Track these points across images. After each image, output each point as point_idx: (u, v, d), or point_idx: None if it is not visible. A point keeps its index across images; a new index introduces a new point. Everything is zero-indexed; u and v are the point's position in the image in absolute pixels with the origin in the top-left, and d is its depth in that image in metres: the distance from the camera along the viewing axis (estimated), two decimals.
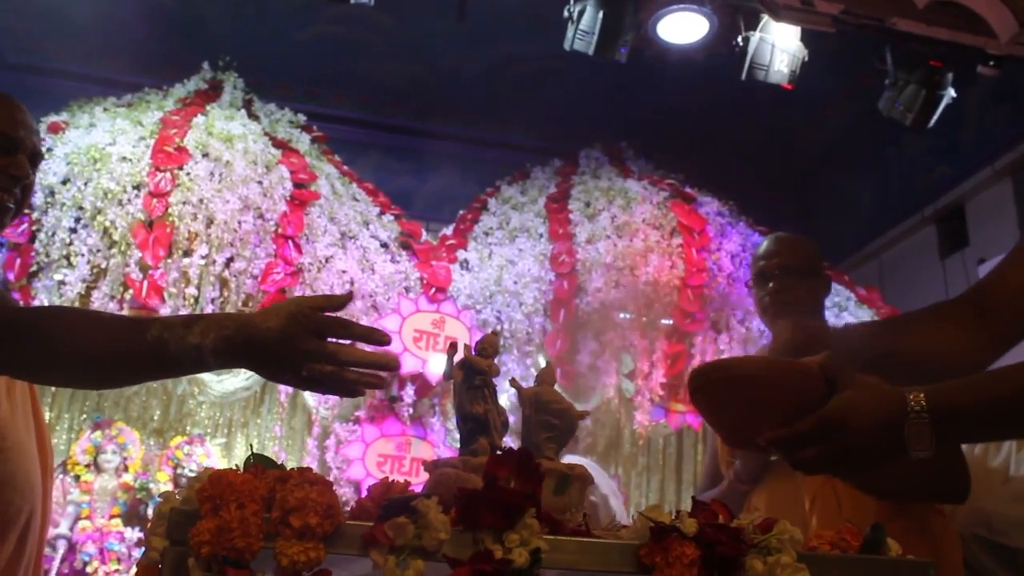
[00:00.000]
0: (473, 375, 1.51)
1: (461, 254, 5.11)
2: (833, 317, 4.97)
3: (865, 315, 5.16)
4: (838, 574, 1.18)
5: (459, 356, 1.53)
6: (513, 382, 1.59)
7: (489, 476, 1.11)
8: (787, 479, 2.15)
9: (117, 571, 4.41)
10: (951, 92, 4.54)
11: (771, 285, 2.48)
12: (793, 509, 2.08)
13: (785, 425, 1.26)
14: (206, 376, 4.59)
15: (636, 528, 1.15)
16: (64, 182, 4.41)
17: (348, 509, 1.19)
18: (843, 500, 2.03)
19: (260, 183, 4.61)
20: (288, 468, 1.14)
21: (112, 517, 4.60)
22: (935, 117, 4.56)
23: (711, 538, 1.11)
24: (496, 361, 1.53)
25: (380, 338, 1.38)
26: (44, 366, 1.45)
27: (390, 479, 1.17)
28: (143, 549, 1.15)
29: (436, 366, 4.55)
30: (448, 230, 5.36)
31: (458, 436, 1.50)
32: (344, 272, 4.64)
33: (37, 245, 4.28)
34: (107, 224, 4.34)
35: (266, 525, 1.05)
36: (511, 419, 1.55)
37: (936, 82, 4.52)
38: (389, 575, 1.04)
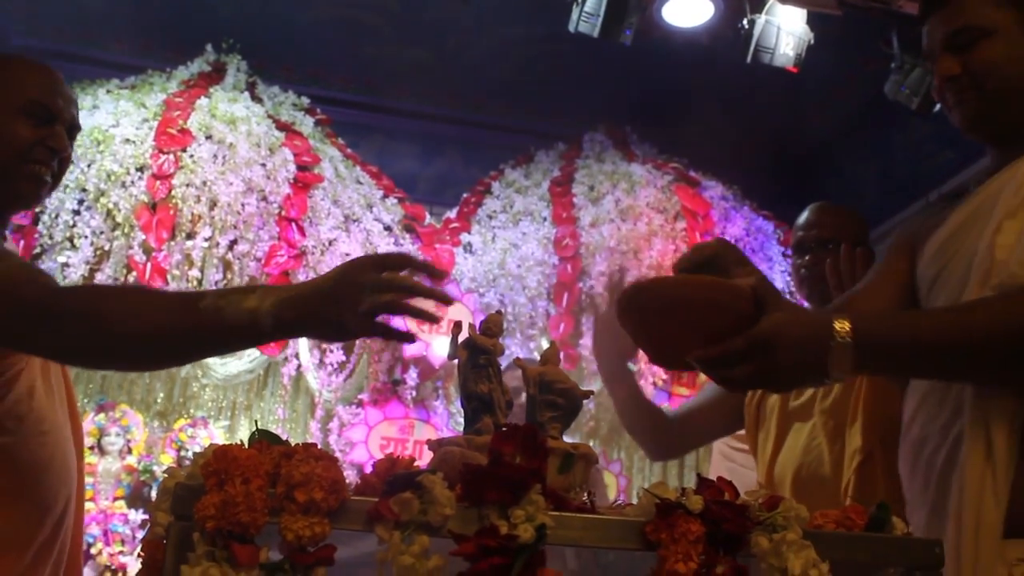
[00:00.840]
0: (477, 354, 1.50)
1: (465, 237, 5.11)
2: None
3: None
4: (844, 552, 1.18)
5: (463, 336, 1.53)
6: (518, 361, 1.58)
7: (494, 452, 1.10)
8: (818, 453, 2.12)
9: (121, 552, 4.43)
10: None
11: (807, 257, 2.39)
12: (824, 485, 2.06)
13: (714, 344, 1.28)
14: (210, 359, 4.59)
15: (641, 505, 1.15)
16: None
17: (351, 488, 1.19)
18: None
19: (263, 165, 4.61)
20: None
21: (116, 499, 4.62)
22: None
23: (717, 515, 1.10)
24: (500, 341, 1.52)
25: (439, 273, 1.40)
26: (99, 350, 1.40)
27: (395, 455, 1.16)
28: (147, 530, 1.15)
29: (439, 349, 4.55)
30: (452, 213, 5.35)
31: (461, 419, 1.50)
32: (348, 255, 4.64)
33: (40, 227, 4.28)
34: (110, 206, 4.35)
35: (271, 500, 1.05)
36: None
37: None
38: (394, 551, 1.04)
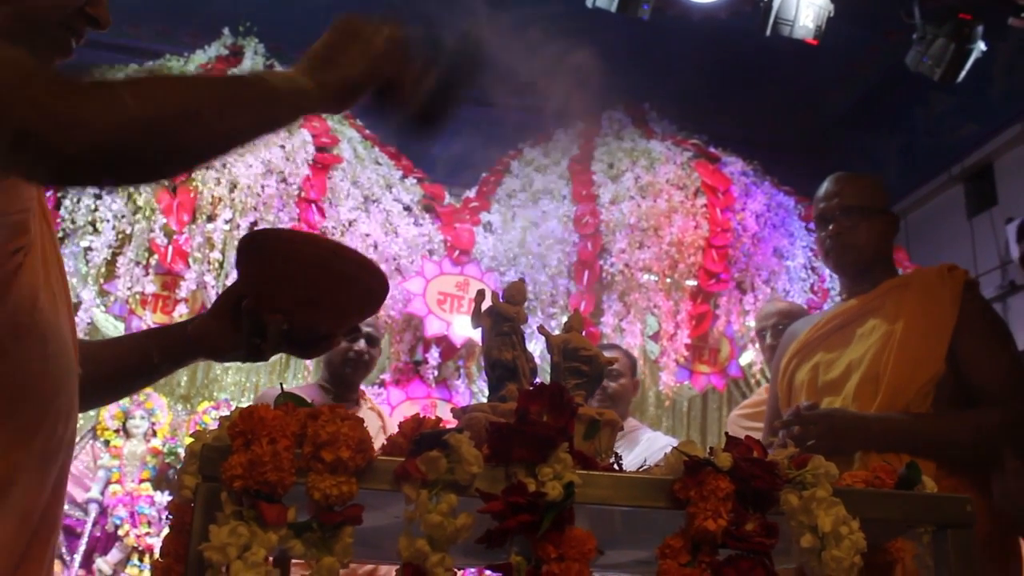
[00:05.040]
0: (501, 322, 1.50)
1: (484, 216, 5.09)
2: None
3: None
4: (873, 509, 1.17)
5: (487, 304, 1.52)
6: (542, 329, 1.58)
7: (521, 410, 1.10)
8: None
9: (148, 534, 4.46)
10: (981, 46, 4.46)
11: (831, 227, 2.36)
12: None
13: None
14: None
15: (670, 464, 1.14)
16: None
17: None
18: None
19: (283, 147, 4.60)
20: None
21: (142, 481, 4.66)
22: (964, 72, 4.48)
23: (746, 472, 1.09)
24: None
25: None
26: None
27: (421, 415, 1.16)
28: (174, 494, 1.14)
29: (460, 328, 4.55)
30: (471, 193, 5.33)
31: (483, 399, 1.49)
32: (368, 236, 4.64)
33: (63, 212, 4.30)
34: (131, 190, 4.35)
35: (298, 461, 1.05)
36: None
37: (966, 35, 4.44)
38: (422, 509, 1.04)
